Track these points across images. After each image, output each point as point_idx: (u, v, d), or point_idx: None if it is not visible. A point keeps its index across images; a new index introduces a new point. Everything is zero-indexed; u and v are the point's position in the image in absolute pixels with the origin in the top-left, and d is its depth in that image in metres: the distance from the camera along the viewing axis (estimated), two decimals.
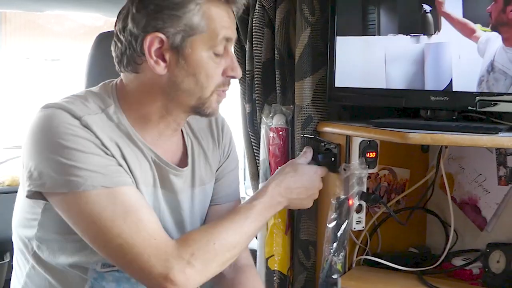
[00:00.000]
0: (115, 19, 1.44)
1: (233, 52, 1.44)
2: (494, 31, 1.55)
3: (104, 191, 1.30)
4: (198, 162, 1.56)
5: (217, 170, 1.64)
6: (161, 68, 1.37)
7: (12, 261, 1.53)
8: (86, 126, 1.32)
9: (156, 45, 1.35)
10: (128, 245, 1.29)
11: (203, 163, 1.58)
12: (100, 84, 1.48)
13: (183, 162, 1.53)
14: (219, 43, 1.38)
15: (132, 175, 1.39)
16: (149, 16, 1.34)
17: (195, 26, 1.35)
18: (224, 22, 1.39)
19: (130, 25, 1.36)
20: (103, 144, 1.34)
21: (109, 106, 1.41)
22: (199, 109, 1.44)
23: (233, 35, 1.43)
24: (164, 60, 1.36)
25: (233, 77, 1.45)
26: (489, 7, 1.55)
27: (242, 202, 1.62)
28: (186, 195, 1.52)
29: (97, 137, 1.33)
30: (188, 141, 1.56)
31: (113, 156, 1.35)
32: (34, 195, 1.34)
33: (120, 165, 1.36)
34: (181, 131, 1.56)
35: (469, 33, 1.59)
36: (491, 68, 1.57)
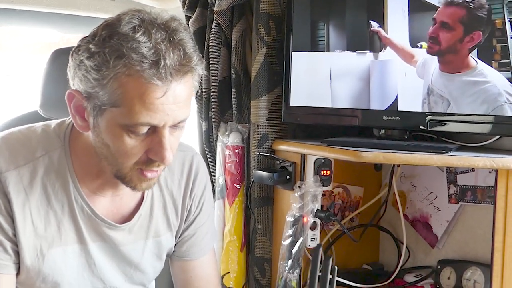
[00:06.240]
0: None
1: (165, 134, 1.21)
2: (433, 54, 1.59)
3: None
4: (157, 213, 1.46)
5: (189, 225, 1.54)
6: (81, 125, 1.26)
7: None
8: (3, 183, 1.26)
9: (75, 102, 1.24)
10: None
11: (161, 214, 1.47)
12: (58, 121, 1.38)
13: (131, 215, 1.42)
14: (136, 126, 1.19)
15: (37, 238, 1.31)
16: (75, 70, 1.21)
17: (109, 98, 1.17)
18: (149, 105, 1.16)
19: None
20: (10, 208, 1.27)
21: (54, 150, 1.32)
22: (122, 181, 1.29)
23: (162, 121, 1.18)
24: (84, 119, 1.25)
25: (158, 161, 1.24)
26: (431, 31, 1.59)
27: None
28: (132, 246, 1.43)
29: (7, 199, 1.27)
30: (148, 191, 1.44)
31: (13, 223, 1.28)
32: None
33: (12, 240, 1.29)
34: None
35: (409, 58, 1.63)
36: (430, 90, 1.61)
